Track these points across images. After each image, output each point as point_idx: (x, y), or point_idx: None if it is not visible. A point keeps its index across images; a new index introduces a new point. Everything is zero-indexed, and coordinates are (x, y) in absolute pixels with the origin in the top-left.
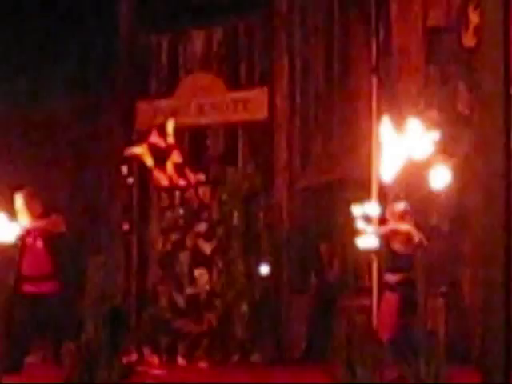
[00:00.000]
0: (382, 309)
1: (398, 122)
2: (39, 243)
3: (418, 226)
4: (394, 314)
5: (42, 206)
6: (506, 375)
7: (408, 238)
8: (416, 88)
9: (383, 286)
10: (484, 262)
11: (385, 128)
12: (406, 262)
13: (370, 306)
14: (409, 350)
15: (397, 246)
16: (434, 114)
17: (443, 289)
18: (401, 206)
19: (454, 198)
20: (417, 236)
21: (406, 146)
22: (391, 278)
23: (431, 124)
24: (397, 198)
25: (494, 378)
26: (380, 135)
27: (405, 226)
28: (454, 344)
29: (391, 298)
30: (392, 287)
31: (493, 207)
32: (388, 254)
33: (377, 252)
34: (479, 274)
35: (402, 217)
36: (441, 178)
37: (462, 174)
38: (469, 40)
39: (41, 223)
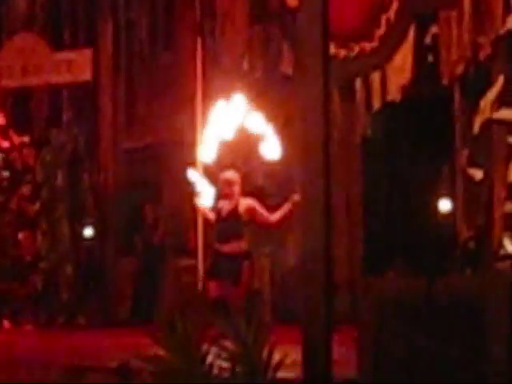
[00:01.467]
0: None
1: (223, 85)
2: None
3: (245, 192)
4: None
5: None
6: (326, 334)
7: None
8: (240, 49)
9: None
10: (304, 227)
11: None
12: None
13: (196, 267)
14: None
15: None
16: (258, 75)
17: (268, 249)
18: (229, 173)
19: (280, 163)
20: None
21: (231, 116)
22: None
23: (255, 85)
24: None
25: (315, 336)
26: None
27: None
28: (278, 303)
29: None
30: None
31: (312, 171)
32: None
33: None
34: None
35: (230, 184)
36: (268, 147)
37: (287, 138)
38: (292, 0)
39: None
